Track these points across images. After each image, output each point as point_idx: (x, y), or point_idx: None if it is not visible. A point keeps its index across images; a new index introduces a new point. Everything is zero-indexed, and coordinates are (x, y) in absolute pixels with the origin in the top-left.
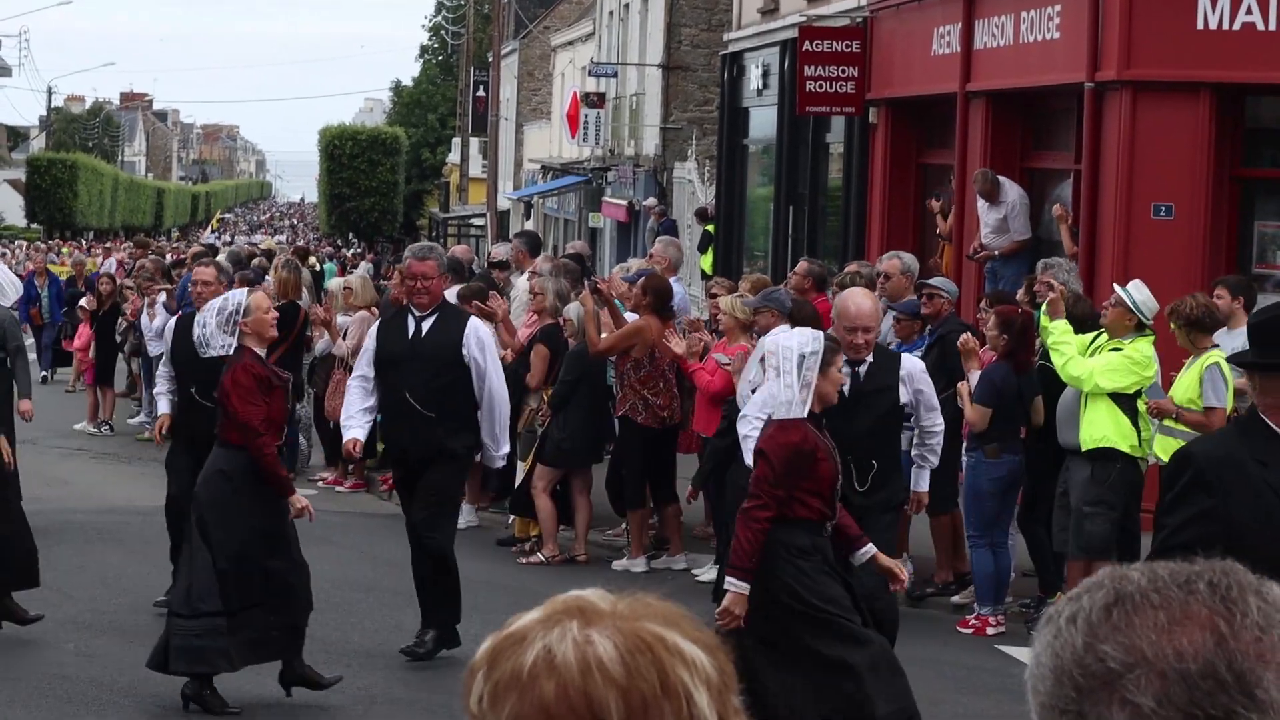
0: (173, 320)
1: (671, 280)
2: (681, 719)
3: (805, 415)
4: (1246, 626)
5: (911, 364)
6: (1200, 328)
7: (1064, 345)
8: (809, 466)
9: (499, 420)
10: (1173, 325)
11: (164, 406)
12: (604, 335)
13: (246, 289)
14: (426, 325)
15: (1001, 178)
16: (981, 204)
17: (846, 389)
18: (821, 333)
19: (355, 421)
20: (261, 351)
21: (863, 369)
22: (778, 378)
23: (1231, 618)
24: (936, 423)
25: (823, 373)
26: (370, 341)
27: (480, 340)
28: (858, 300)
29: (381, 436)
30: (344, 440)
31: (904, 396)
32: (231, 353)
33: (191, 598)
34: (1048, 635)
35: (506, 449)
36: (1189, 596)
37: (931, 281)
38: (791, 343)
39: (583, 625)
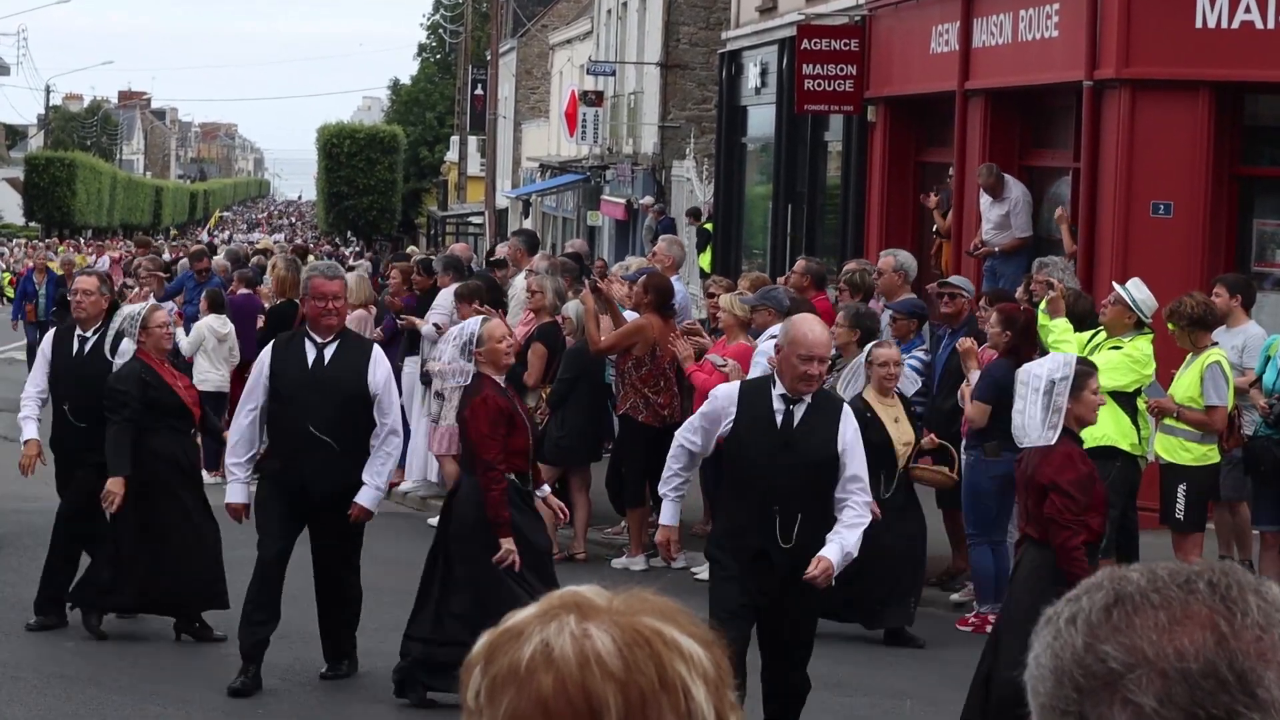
0: (50, 334)
1: (673, 279)
2: (680, 713)
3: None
4: (1247, 626)
5: (850, 417)
6: (1201, 326)
7: (1064, 344)
8: (1093, 487)
9: (393, 459)
10: (1171, 325)
11: (30, 430)
12: (604, 334)
13: (480, 318)
14: (329, 352)
15: (1006, 175)
16: (984, 200)
17: (779, 424)
18: (1074, 356)
19: (242, 474)
20: (500, 380)
21: (799, 409)
22: (1025, 405)
23: (1232, 617)
24: (857, 495)
25: (1075, 397)
26: (262, 370)
27: (386, 371)
28: (811, 326)
29: (268, 471)
30: (230, 502)
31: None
32: (469, 382)
33: (446, 627)
34: (1047, 636)
35: (383, 491)
36: (1189, 596)
37: (952, 280)
38: (1042, 369)
39: (580, 619)
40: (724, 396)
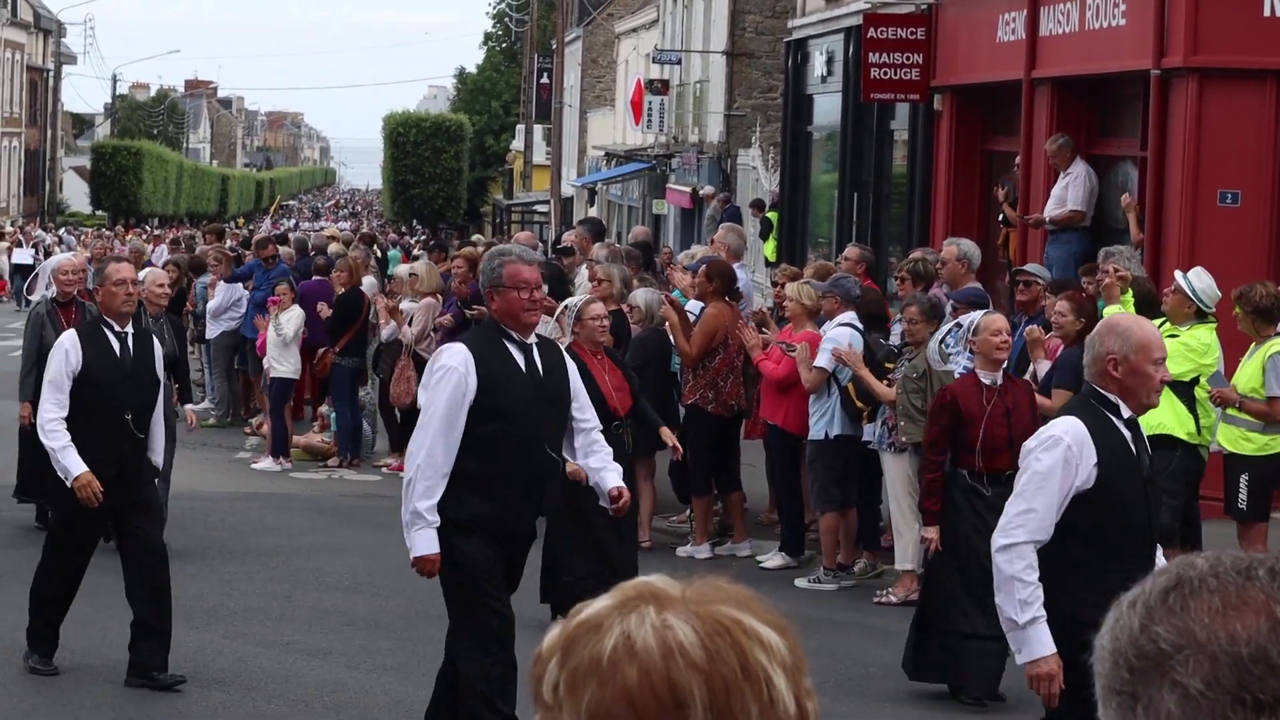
0: (69, 334)
1: (735, 266)
2: (762, 702)
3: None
4: None
5: None
6: (1265, 317)
7: None
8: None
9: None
10: (1237, 310)
11: (77, 464)
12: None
13: (981, 311)
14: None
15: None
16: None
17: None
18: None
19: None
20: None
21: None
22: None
23: None
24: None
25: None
26: (69, 357)
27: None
28: (1146, 325)
29: (468, 516)
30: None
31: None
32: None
33: None
34: (1111, 619)
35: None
36: (1247, 582)
37: (1027, 268)
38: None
39: (659, 610)
40: (1075, 441)
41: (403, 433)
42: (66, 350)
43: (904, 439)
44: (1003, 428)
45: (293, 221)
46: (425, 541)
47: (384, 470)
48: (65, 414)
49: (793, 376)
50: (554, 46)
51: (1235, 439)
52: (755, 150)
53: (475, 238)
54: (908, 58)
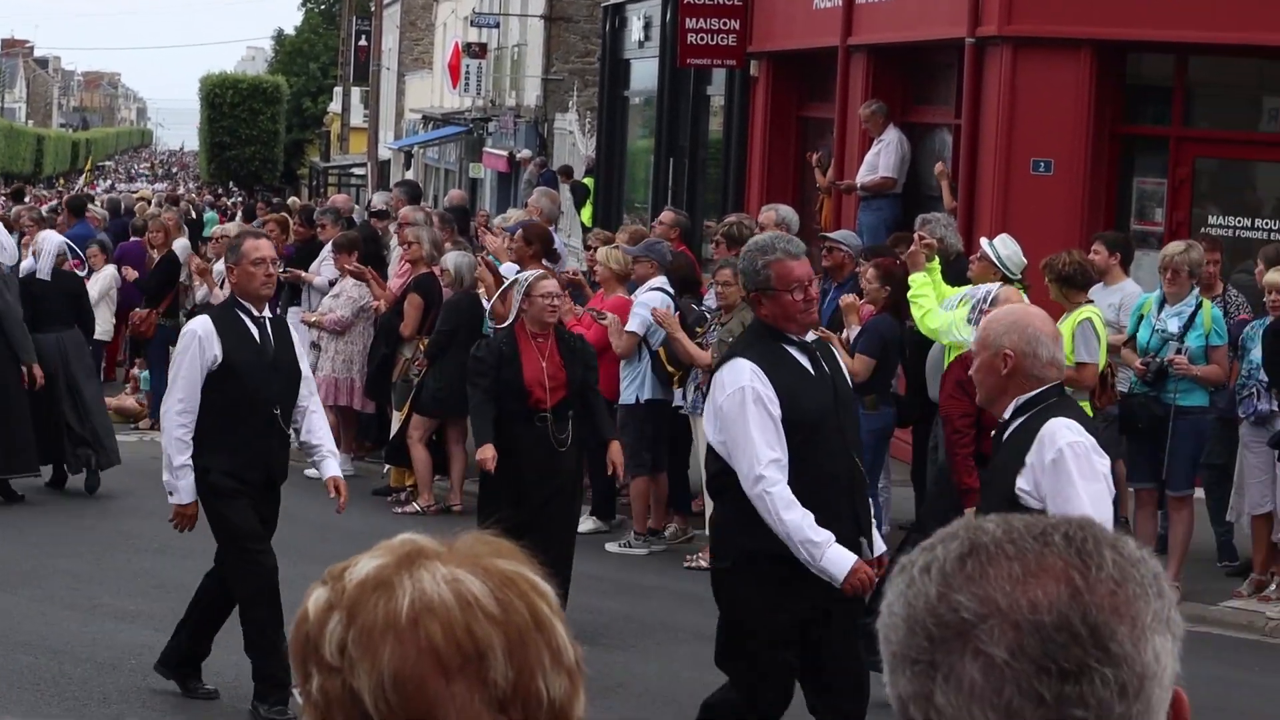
0: (202, 320)
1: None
2: (552, 649)
3: None
4: (1101, 580)
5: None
6: (1072, 284)
7: (922, 298)
8: None
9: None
10: (1046, 279)
11: (188, 491)
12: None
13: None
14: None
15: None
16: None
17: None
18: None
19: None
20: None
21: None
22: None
23: (1086, 570)
24: None
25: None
26: (205, 348)
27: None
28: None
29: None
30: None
31: None
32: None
33: None
34: (901, 584)
35: None
36: (1044, 549)
37: (833, 235)
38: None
39: (446, 565)
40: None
41: None
42: (200, 339)
43: None
44: None
45: (108, 182)
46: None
47: None
48: (194, 418)
49: (603, 342)
50: (372, 9)
51: None
52: (572, 115)
53: (290, 200)
54: (724, 23)
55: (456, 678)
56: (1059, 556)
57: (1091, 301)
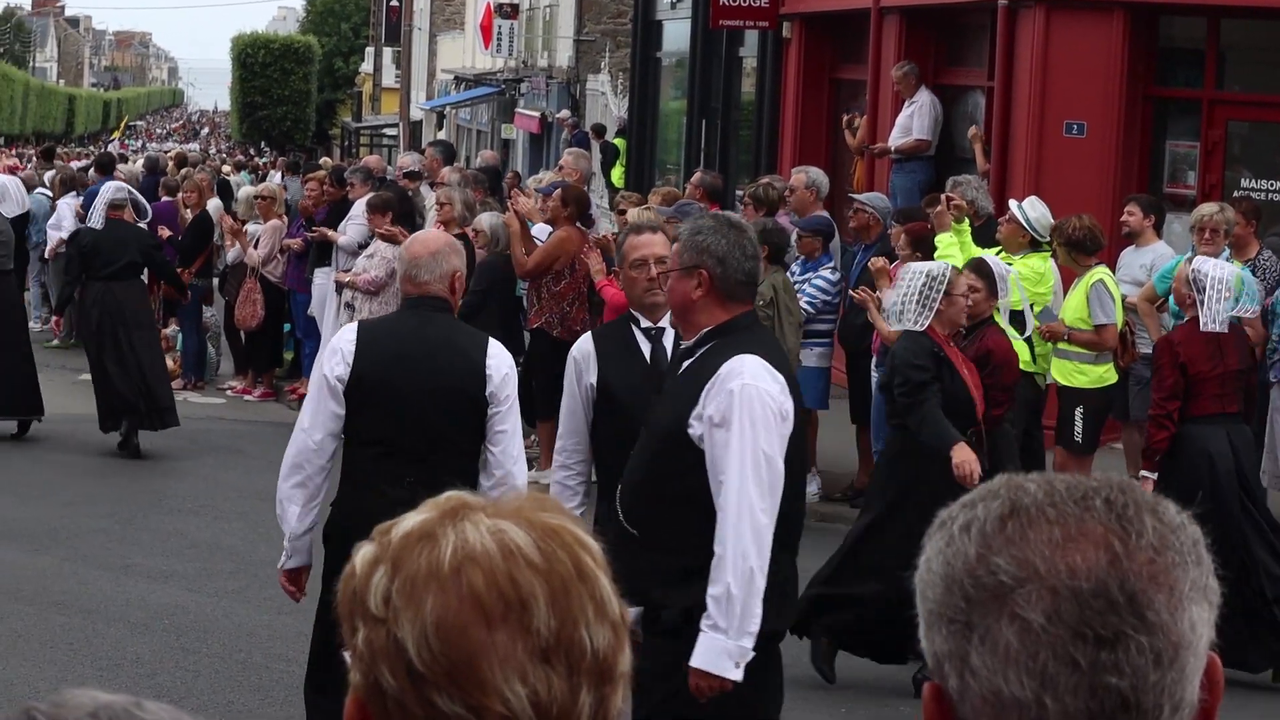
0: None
1: None
2: (595, 601)
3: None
4: (1141, 547)
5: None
6: (1081, 249)
7: (949, 259)
8: None
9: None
10: (1055, 244)
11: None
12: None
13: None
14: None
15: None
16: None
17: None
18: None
19: None
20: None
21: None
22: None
23: (1127, 537)
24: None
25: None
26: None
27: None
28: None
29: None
30: None
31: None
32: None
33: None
34: (940, 542)
35: None
36: (1085, 513)
37: (859, 197)
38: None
39: (490, 517)
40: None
41: (246, 355)
42: (576, 361)
43: None
44: None
45: (140, 142)
46: None
47: (228, 393)
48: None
49: None
50: None
51: (1069, 372)
52: (604, 76)
53: (323, 160)
54: None
55: (499, 626)
56: (1099, 522)
57: (1100, 264)
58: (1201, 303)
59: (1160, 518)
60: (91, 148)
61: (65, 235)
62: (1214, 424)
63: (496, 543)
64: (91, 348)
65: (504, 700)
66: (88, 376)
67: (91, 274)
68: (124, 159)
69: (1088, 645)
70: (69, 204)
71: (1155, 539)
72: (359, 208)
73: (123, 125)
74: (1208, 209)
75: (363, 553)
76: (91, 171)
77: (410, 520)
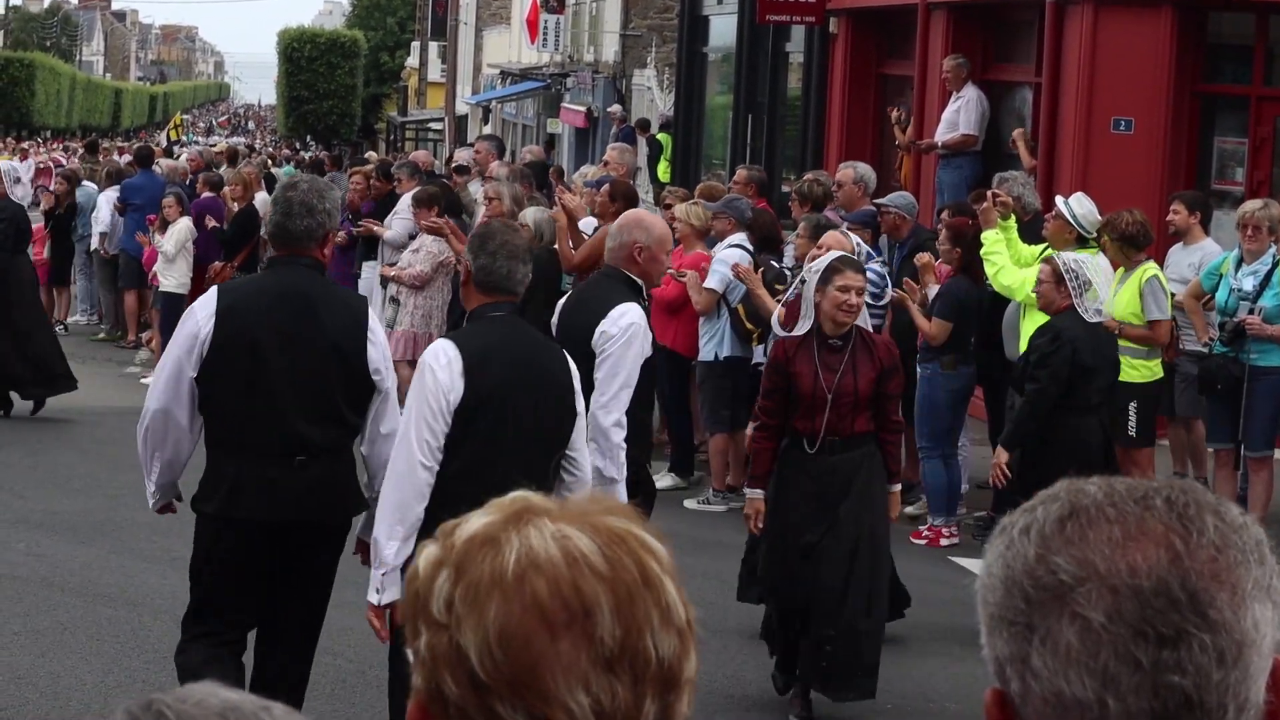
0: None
1: None
2: (661, 608)
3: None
4: (1202, 545)
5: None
6: (1133, 245)
7: (995, 255)
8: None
9: None
10: (1105, 238)
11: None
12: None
13: None
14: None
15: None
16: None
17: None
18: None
19: None
20: None
21: None
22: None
23: (1188, 535)
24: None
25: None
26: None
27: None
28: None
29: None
30: None
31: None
32: None
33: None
34: (1000, 545)
35: None
36: (1145, 512)
37: (884, 200)
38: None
39: (555, 522)
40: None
41: None
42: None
43: None
44: None
45: (190, 137)
46: None
47: None
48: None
49: (682, 297)
50: None
51: (1122, 368)
52: (650, 71)
53: (369, 154)
54: None
55: (562, 635)
56: (1160, 520)
57: (1149, 259)
58: None
59: (1222, 517)
60: (136, 142)
61: (104, 230)
62: None
63: (561, 549)
64: None
65: (567, 710)
66: (135, 369)
67: None
68: (171, 154)
69: (1149, 644)
70: (108, 198)
71: (1217, 537)
72: (405, 202)
73: (177, 121)
74: (1251, 206)
75: (426, 554)
76: (128, 164)
77: (474, 522)
